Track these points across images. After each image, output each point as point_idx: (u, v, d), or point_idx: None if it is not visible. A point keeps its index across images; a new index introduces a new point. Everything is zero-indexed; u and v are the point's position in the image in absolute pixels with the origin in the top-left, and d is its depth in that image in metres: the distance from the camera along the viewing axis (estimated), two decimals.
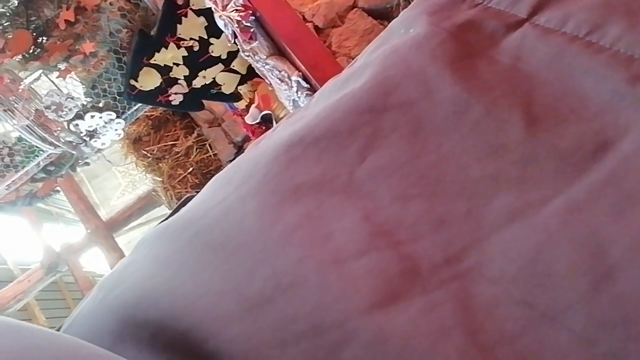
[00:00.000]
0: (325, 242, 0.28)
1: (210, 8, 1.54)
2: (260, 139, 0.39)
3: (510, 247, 0.25)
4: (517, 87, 0.29)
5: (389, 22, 1.79)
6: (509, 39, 0.32)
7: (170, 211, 0.42)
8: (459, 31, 0.33)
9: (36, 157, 1.97)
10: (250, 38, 1.51)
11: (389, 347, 0.24)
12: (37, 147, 1.93)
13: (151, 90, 1.83)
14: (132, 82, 1.80)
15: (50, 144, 1.93)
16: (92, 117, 1.88)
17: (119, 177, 5.54)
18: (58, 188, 2.81)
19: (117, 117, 1.92)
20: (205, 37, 1.74)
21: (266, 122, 1.71)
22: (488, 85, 0.30)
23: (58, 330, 0.33)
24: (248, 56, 1.60)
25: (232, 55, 1.78)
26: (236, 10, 1.47)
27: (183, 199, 0.39)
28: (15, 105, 1.82)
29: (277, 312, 0.27)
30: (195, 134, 2.74)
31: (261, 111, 1.68)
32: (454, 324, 0.24)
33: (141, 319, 0.29)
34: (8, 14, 1.73)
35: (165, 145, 2.79)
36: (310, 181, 0.31)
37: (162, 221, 0.38)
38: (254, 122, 1.71)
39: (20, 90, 1.84)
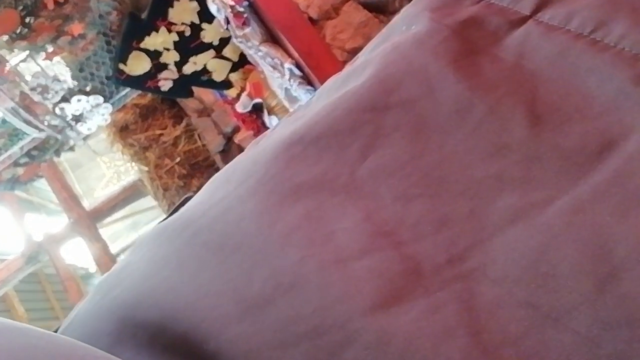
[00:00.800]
0: (326, 242, 0.28)
1: None
2: (260, 137, 0.39)
3: (514, 247, 0.24)
4: (520, 85, 0.29)
5: (384, 15, 1.78)
6: (512, 36, 0.31)
7: (172, 209, 0.41)
8: (462, 28, 0.33)
9: (20, 141, 1.93)
10: (244, 24, 1.49)
11: (392, 349, 0.23)
12: (20, 130, 1.88)
13: (140, 75, 1.80)
14: (121, 66, 1.77)
15: (35, 127, 1.89)
16: (79, 100, 1.84)
17: (103, 167, 5.47)
18: (41, 174, 2.75)
19: (105, 101, 1.89)
20: (197, 22, 1.72)
21: (257, 111, 1.70)
22: (491, 84, 0.30)
23: (55, 331, 0.33)
24: (240, 42, 1.58)
25: (224, 41, 1.76)
26: None
27: (182, 199, 0.39)
28: (0, 86, 1.77)
29: (277, 312, 0.26)
30: (184, 124, 2.71)
31: (252, 99, 1.66)
32: (458, 325, 0.23)
33: (140, 320, 0.29)
34: None
35: (152, 134, 2.76)
36: (311, 180, 0.31)
37: (161, 221, 0.38)
38: (244, 111, 1.69)
39: (5, 72, 1.80)
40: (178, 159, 2.69)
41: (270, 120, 1.64)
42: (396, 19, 0.37)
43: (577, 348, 0.21)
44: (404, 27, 0.35)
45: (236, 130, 2.44)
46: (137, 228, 5.62)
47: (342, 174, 0.30)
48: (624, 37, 0.27)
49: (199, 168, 2.65)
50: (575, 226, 0.24)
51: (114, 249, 4.13)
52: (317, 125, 0.32)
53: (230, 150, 2.48)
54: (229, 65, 1.80)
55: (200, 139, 2.67)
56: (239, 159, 0.37)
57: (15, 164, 2.06)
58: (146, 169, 2.76)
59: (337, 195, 0.30)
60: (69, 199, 3.48)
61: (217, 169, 2.77)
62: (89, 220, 3.47)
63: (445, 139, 0.29)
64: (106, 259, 3.40)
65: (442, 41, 0.32)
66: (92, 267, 5.46)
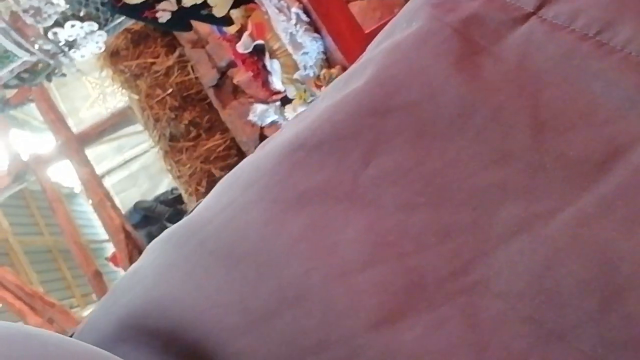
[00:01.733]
0: (330, 254, 0.27)
1: None
2: (269, 139, 0.37)
3: (518, 260, 0.24)
4: (523, 88, 0.28)
5: None
6: (515, 34, 0.30)
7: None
8: (464, 26, 0.31)
9: (10, 63, 1.86)
10: None
11: None
12: (11, 52, 1.82)
13: (137, 3, 1.73)
14: None
15: (26, 50, 1.83)
16: (73, 26, 1.77)
17: (88, 87, 5.32)
18: (32, 97, 2.68)
19: (99, 28, 1.82)
20: None
21: (258, 52, 1.66)
22: (493, 87, 0.29)
23: (71, 336, 0.33)
24: None
25: None
26: None
27: (198, 202, 0.37)
28: None
29: (282, 325, 0.26)
30: (176, 54, 2.63)
31: (254, 40, 1.63)
32: (462, 342, 0.23)
33: (152, 328, 0.29)
34: None
35: (144, 62, 2.68)
36: (314, 188, 0.30)
37: (173, 224, 0.37)
38: (245, 51, 1.66)
39: None
40: (170, 90, 2.63)
41: (272, 64, 1.62)
42: (398, 16, 0.36)
43: None
44: (404, 25, 0.34)
45: (231, 65, 2.39)
46: (122, 151, 5.58)
47: (344, 181, 0.30)
48: (631, 41, 0.26)
49: (192, 101, 2.60)
50: (580, 240, 0.23)
51: (99, 170, 4.13)
52: (318, 130, 0.32)
53: (224, 85, 2.43)
54: (230, 0, 1.74)
55: (193, 71, 2.60)
56: (244, 162, 0.36)
57: (5, 86, 2.01)
58: (137, 97, 2.71)
59: (340, 203, 0.29)
60: (57, 121, 3.41)
61: (210, 104, 2.74)
62: (76, 144, 3.44)
63: (447, 144, 0.28)
64: (93, 183, 3.40)
65: (443, 41, 0.31)
66: (77, 188, 5.46)
